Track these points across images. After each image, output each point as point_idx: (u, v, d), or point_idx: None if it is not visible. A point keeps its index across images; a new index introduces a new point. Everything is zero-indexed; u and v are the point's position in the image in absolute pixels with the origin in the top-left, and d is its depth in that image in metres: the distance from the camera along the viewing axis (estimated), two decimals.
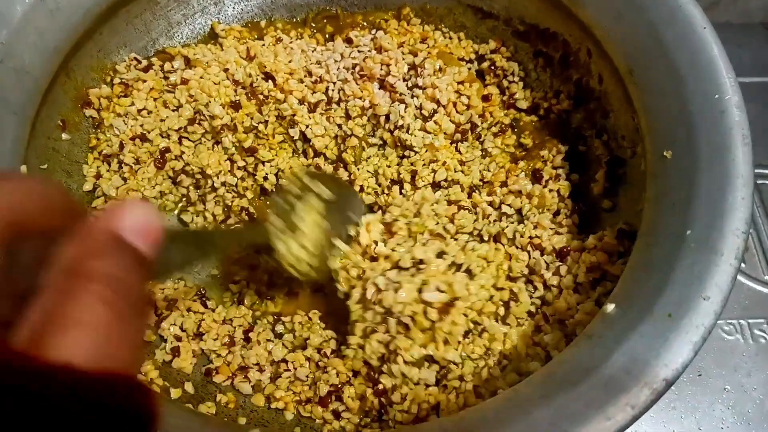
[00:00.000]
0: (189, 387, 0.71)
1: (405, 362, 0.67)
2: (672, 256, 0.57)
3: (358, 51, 0.86)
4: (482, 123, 0.84)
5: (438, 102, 0.82)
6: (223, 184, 0.81)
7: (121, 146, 0.82)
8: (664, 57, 0.67)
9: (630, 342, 0.53)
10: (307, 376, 0.72)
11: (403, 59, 0.85)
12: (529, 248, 0.75)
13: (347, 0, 0.93)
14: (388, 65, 0.83)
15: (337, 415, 0.69)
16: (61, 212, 0.34)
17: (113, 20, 0.81)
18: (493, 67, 0.89)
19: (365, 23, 0.93)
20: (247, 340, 0.75)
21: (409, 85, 0.83)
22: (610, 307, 0.58)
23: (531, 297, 0.72)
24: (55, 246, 0.30)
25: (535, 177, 0.80)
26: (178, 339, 0.74)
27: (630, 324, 0.55)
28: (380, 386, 0.69)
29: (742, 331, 0.84)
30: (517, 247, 0.75)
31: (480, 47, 0.91)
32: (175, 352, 0.73)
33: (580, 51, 0.81)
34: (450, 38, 0.92)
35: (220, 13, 0.91)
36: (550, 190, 0.79)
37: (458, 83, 0.84)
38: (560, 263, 0.72)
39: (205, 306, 0.78)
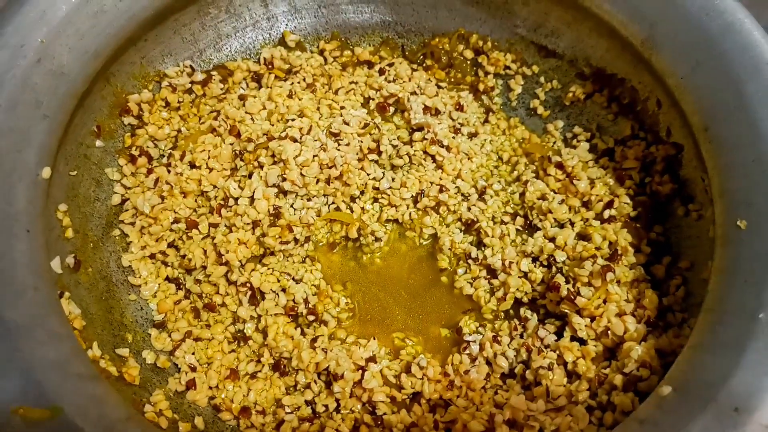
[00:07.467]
0: (199, 422, 0.66)
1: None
2: (742, 340, 0.51)
3: None
4: None
5: None
6: None
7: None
8: (745, 114, 0.61)
9: None
10: (311, 422, 0.68)
11: None
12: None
13: (404, 26, 0.88)
14: None
15: None
16: None
17: (159, 28, 0.78)
18: None
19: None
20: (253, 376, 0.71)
21: None
22: (667, 390, 0.52)
23: None
24: None
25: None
26: (193, 369, 0.70)
27: (689, 414, 0.49)
28: None
29: None
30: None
31: None
32: (190, 384, 0.69)
33: (649, 100, 0.76)
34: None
35: (272, 29, 0.87)
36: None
37: None
38: None
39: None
